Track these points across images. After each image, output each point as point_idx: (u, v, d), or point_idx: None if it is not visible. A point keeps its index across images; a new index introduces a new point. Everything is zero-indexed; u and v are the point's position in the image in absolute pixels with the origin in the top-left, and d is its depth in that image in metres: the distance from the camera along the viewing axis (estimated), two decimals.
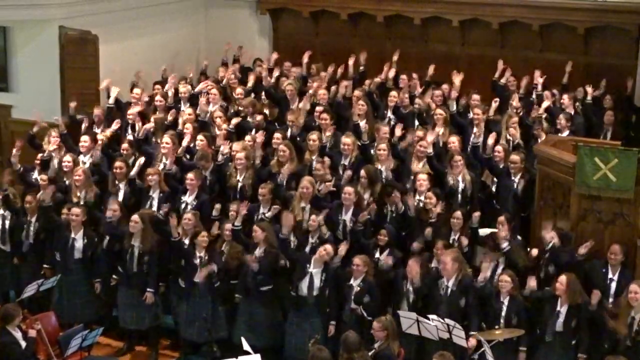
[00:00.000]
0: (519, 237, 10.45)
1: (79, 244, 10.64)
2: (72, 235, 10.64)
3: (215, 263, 10.18)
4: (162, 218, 10.79)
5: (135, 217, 10.42)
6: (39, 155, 11.91)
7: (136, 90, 13.50)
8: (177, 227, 10.31)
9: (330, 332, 9.83)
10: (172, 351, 10.86)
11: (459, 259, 9.64)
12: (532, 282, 9.55)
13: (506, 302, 9.38)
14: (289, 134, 12.30)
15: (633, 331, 9.04)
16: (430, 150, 11.29)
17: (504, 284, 9.37)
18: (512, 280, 9.39)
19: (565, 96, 13.08)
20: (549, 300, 9.36)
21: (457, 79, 13.25)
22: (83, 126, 12.46)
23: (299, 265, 9.99)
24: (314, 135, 11.76)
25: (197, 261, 10.19)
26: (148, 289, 10.45)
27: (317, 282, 9.87)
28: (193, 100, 13.35)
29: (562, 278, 9.26)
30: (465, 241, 10.14)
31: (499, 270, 9.75)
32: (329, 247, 9.87)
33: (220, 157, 11.56)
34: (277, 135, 11.86)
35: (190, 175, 11.06)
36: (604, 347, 9.19)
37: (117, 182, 11.41)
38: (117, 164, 11.42)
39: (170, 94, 13.36)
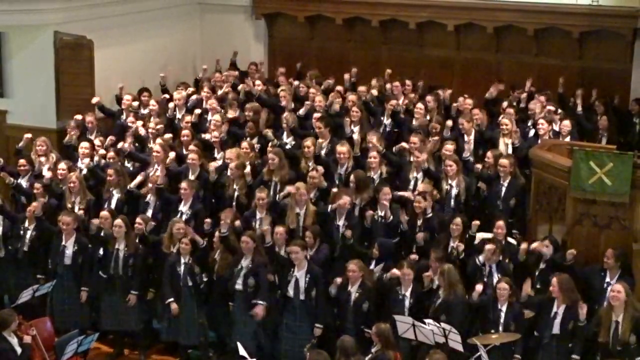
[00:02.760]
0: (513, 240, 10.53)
1: (69, 251, 10.65)
2: (63, 242, 10.66)
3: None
4: (146, 233, 10.77)
5: (118, 221, 10.48)
6: (21, 161, 11.89)
7: (127, 97, 13.50)
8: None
9: (316, 334, 9.79)
10: (167, 355, 10.85)
11: (448, 274, 9.56)
12: (527, 287, 9.54)
13: (504, 309, 9.37)
14: (284, 137, 12.31)
15: (620, 334, 9.01)
16: (426, 165, 11.31)
17: (501, 292, 9.37)
18: (509, 287, 9.39)
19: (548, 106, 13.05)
20: (546, 304, 9.37)
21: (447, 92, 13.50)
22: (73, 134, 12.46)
23: (285, 270, 10.00)
24: (308, 142, 11.74)
25: (182, 268, 10.21)
26: (132, 291, 10.48)
27: (302, 285, 9.87)
28: (190, 108, 13.38)
29: (554, 280, 9.29)
30: (461, 247, 10.15)
31: (495, 279, 9.74)
32: (295, 248, 9.83)
33: (212, 175, 11.52)
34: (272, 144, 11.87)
35: (184, 184, 11.10)
36: (594, 355, 9.20)
37: (110, 189, 11.43)
38: (108, 171, 11.45)
39: (171, 105, 13.39)
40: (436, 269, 9.74)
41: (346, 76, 14.47)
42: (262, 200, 10.77)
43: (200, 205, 11.14)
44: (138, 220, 10.64)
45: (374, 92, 13.72)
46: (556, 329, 9.30)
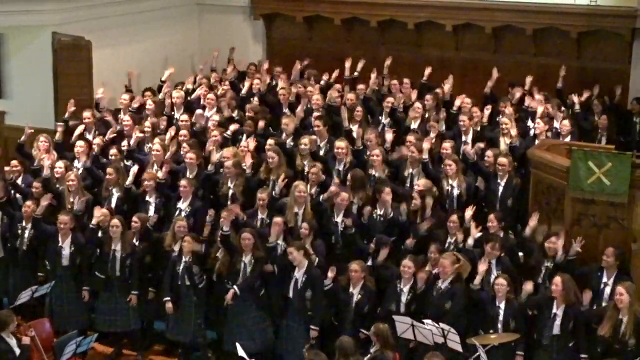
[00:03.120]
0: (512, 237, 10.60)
1: (66, 251, 10.62)
2: (60, 243, 10.64)
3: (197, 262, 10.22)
4: (151, 228, 10.78)
5: (115, 221, 10.46)
6: (13, 163, 11.85)
7: (124, 96, 13.50)
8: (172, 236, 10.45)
9: (312, 337, 9.74)
10: (165, 357, 10.85)
11: (464, 264, 9.64)
12: (528, 287, 9.55)
13: (503, 306, 9.37)
14: (284, 137, 12.33)
15: (621, 334, 9.02)
16: (425, 156, 11.30)
17: (499, 287, 9.35)
18: (508, 283, 9.38)
19: (548, 105, 13.03)
20: (546, 303, 9.36)
21: (448, 85, 13.47)
22: (77, 132, 12.45)
23: (286, 271, 10.01)
24: (305, 140, 11.73)
25: (181, 267, 10.20)
26: (132, 292, 10.49)
27: (299, 286, 9.87)
28: (189, 107, 13.38)
29: (557, 279, 9.27)
30: (461, 236, 10.16)
31: (494, 276, 9.74)
32: (290, 249, 9.83)
33: (210, 167, 11.51)
34: (270, 142, 11.86)
35: (183, 182, 11.08)
36: (597, 350, 9.20)
37: (110, 188, 11.42)
38: (108, 170, 11.43)
39: (167, 102, 13.40)
40: (436, 261, 9.74)
41: (347, 64, 14.45)
42: (264, 201, 10.76)
43: (200, 203, 11.12)
44: (134, 219, 10.64)
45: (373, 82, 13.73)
46: (556, 330, 9.28)
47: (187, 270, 10.20)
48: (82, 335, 9.85)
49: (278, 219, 10.28)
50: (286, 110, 13.14)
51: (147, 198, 11.25)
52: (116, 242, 10.47)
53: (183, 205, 11.07)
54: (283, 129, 12.46)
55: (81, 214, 11.13)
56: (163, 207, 11.19)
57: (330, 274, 9.90)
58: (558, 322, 9.26)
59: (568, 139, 11.94)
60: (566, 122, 12.27)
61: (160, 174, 11.34)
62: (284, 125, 12.45)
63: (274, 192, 11.08)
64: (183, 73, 15.40)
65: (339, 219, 10.58)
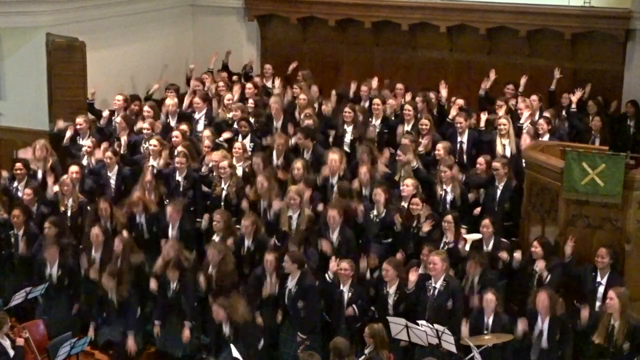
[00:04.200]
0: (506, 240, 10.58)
1: (54, 272, 10.60)
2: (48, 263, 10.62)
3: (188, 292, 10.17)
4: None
5: (96, 229, 10.59)
6: (17, 165, 11.88)
7: (118, 97, 13.49)
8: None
9: (298, 342, 9.73)
10: None
11: (447, 260, 9.65)
12: (517, 255, 9.62)
13: (490, 320, 9.33)
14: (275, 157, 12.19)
15: (614, 339, 9.03)
16: (414, 164, 11.31)
17: (488, 303, 9.31)
18: (496, 298, 9.34)
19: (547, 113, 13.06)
20: (531, 318, 9.30)
21: (444, 90, 13.48)
22: (67, 136, 12.49)
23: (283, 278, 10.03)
24: (298, 164, 11.43)
25: (170, 293, 10.19)
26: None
27: (292, 295, 9.86)
28: (182, 116, 13.36)
29: (542, 295, 9.17)
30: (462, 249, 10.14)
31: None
32: (286, 257, 9.84)
33: (204, 168, 11.52)
34: (256, 159, 11.65)
35: (169, 209, 10.94)
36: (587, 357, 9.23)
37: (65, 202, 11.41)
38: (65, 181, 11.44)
39: (164, 111, 13.41)
40: (427, 260, 9.74)
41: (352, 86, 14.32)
42: (248, 228, 10.55)
43: (188, 227, 11.02)
44: (116, 241, 10.56)
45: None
46: (544, 344, 9.23)
47: (176, 298, 10.15)
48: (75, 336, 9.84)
49: (246, 222, 10.33)
50: (277, 125, 12.97)
51: (138, 219, 11.22)
52: (97, 249, 10.55)
53: (172, 232, 10.92)
54: (276, 148, 12.16)
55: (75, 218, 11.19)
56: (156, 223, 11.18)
57: (332, 263, 9.89)
58: (544, 337, 9.21)
59: (545, 138, 11.94)
60: (542, 121, 12.25)
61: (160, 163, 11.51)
62: (277, 145, 12.14)
63: (267, 218, 11.00)
64: (177, 74, 15.41)
65: (333, 236, 10.46)
